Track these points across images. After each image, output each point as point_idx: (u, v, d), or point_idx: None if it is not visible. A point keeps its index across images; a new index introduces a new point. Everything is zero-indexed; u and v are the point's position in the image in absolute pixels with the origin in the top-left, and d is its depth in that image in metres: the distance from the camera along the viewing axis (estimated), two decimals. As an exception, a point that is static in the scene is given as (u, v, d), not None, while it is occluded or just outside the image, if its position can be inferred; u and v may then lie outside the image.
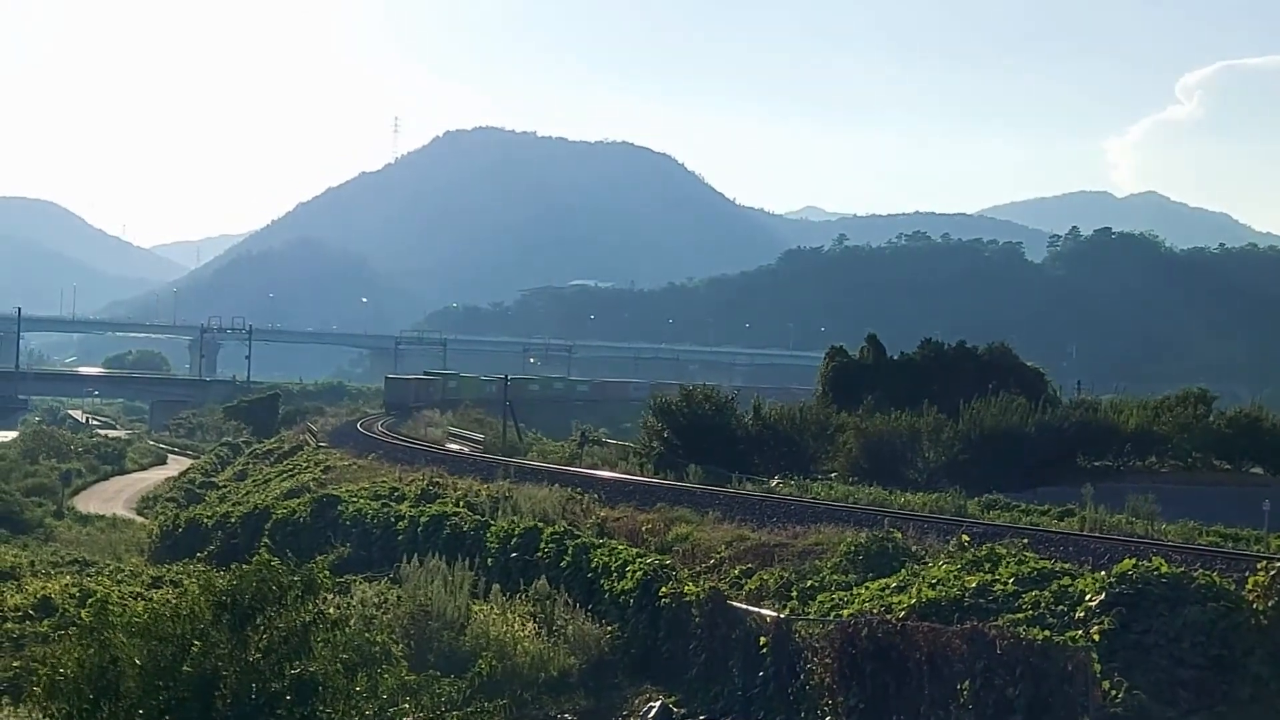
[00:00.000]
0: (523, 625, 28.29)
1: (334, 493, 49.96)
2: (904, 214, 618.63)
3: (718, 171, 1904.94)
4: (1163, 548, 28.38)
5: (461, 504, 43.45)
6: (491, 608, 29.39)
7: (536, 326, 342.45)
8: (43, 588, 34.06)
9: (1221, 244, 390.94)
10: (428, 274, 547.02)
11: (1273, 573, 20.02)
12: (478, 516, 40.13)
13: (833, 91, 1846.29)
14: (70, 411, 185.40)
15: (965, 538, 27.07)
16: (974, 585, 22.65)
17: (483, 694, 23.38)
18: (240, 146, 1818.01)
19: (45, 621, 29.61)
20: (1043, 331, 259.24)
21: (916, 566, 25.80)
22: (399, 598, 29.82)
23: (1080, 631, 19.69)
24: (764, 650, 23.18)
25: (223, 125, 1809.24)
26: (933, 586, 23.27)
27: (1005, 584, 22.45)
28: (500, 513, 40.89)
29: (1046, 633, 19.25)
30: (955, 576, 23.56)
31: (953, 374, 70.41)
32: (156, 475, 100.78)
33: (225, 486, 77.92)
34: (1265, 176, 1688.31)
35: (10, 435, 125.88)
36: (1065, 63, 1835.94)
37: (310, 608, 15.13)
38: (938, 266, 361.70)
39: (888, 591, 24.23)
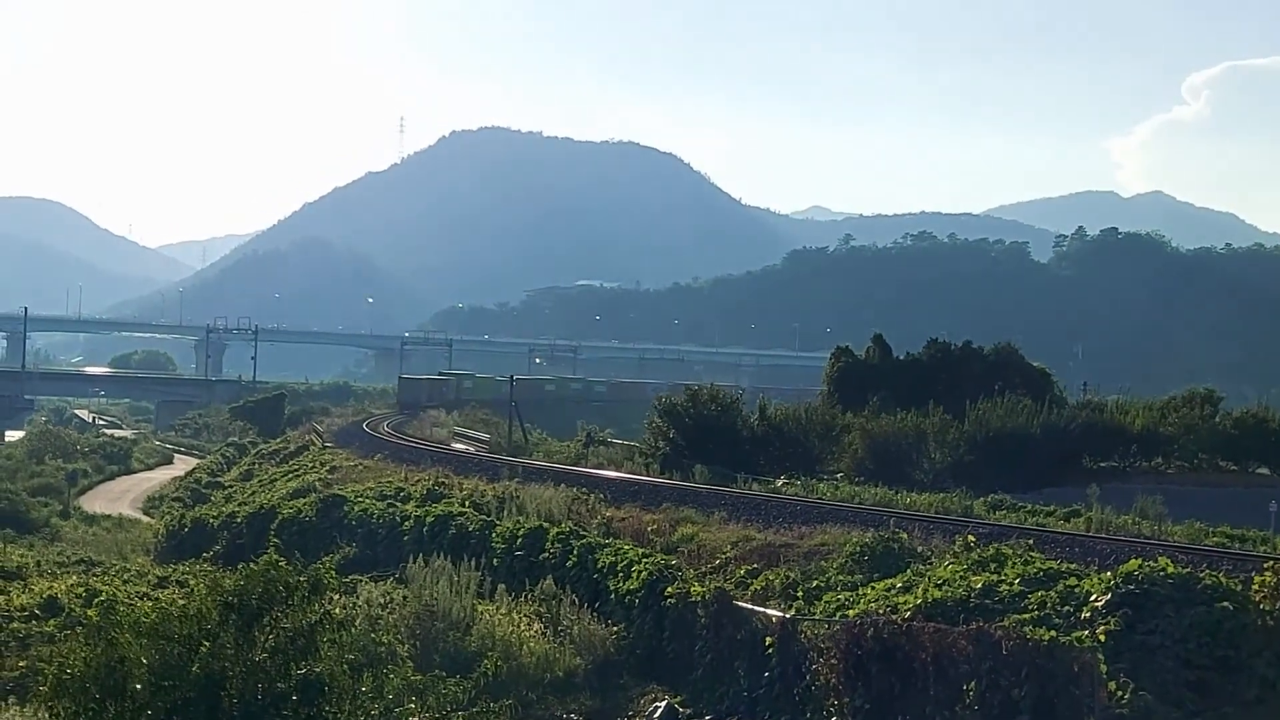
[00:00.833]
0: (528, 625, 28.32)
1: (340, 493, 50.00)
2: (910, 214, 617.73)
3: (723, 171, 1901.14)
4: (1169, 548, 28.36)
5: (467, 504, 43.48)
6: (497, 608, 29.43)
7: (542, 327, 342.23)
8: (49, 587, 34.12)
9: (1228, 244, 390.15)
10: (433, 274, 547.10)
11: (1279, 573, 20.01)
12: (483, 516, 40.16)
13: (838, 91, 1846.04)
14: (76, 411, 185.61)
15: (971, 538, 27.05)
16: (980, 586, 22.64)
17: (488, 694, 23.38)
18: (246, 146, 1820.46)
19: (51, 621, 29.66)
20: (1049, 332, 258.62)
21: (922, 567, 25.80)
22: (404, 598, 29.84)
23: (1086, 632, 19.68)
24: (770, 651, 23.19)
25: (229, 125, 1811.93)
26: (938, 587, 23.27)
27: (1011, 584, 22.44)
28: (506, 513, 40.92)
29: (1052, 633, 19.24)
30: (961, 577, 23.56)
31: (959, 374, 70.36)
32: (162, 475, 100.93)
33: (231, 486, 77.94)
34: (1272, 176, 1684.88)
35: (17, 435, 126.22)
36: (1071, 62, 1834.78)
37: (317, 608, 15.15)
38: (943, 267, 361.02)
39: (893, 592, 24.23)
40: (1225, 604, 19.76)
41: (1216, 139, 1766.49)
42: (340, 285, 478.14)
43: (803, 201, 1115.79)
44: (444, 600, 28.69)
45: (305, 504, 49.22)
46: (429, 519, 40.61)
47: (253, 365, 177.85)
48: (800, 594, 26.09)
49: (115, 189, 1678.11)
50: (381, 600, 29.88)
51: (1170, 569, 20.80)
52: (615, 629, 28.37)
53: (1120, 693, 18.19)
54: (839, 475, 55.54)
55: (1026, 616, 20.80)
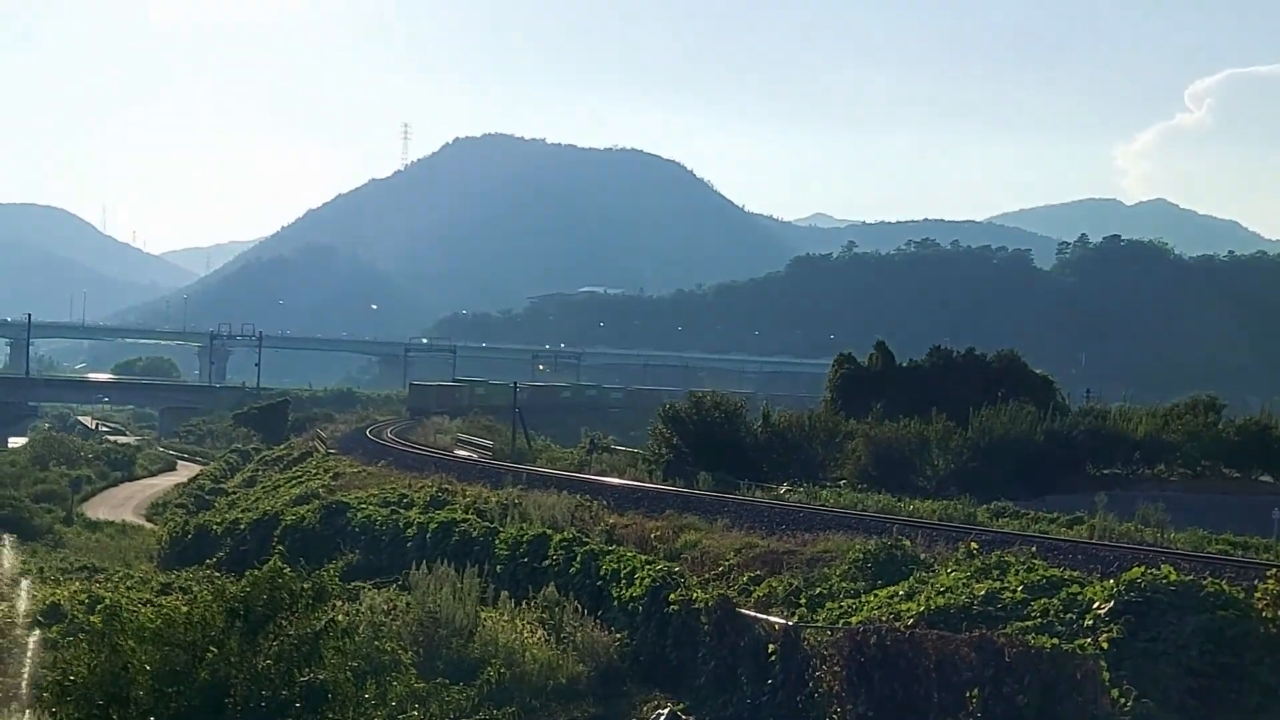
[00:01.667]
0: (531, 632, 28.31)
1: (343, 499, 49.98)
2: (913, 221, 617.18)
3: (727, 178, 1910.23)
4: (1172, 556, 28.36)
5: (470, 511, 43.46)
6: (500, 615, 29.42)
7: (546, 333, 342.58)
8: (52, 594, 34.12)
9: (1231, 251, 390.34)
10: (437, 281, 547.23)
11: (1282, 581, 20.02)
12: (486, 523, 40.14)
13: (842, 99, 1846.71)
14: (80, 418, 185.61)
15: (974, 545, 27.04)
16: (983, 593, 22.64)
17: (491, 701, 23.44)
18: (250, 153, 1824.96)
19: (55, 628, 29.66)
20: (1052, 339, 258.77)
21: (925, 574, 25.78)
22: (408, 605, 29.83)
23: (1089, 639, 19.68)
24: (773, 658, 23.19)
25: (233, 132, 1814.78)
26: (941, 594, 23.26)
27: (1014, 592, 22.43)
28: (509, 519, 40.89)
29: (1055, 641, 19.24)
30: (964, 584, 23.55)
31: (962, 381, 70.36)
32: (166, 481, 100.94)
33: (234, 493, 77.98)
34: (1274, 183, 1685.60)
35: (20, 441, 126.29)
36: (1074, 70, 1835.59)
37: (321, 616, 15.17)
38: (947, 274, 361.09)
39: (896, 599, 24.22)
40: (1228, 612, 19.75)
41: (1219, 146, 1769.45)
42: (344, 292, 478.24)
43: (806, 208, 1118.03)
44: (447, 607, 28.68)
45: (308, 511, 49.20)
46: (432, 526, 40.61)
47: (256, 372, 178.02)
48: (803, 601, 26.08)
49: (120, 196, 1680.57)
50: (385, 607, 29.87)
51: (1173, 576, 20.80)
52: (618, 636, 28.36)
53: (1123, 700, 18.19)
54: (842, 482, 55.54)
55: (1029, 624, 20.80)
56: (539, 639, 27.98)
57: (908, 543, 28.68)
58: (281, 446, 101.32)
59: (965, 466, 54.98)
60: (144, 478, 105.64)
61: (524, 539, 35.83)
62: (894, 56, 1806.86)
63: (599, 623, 28.87)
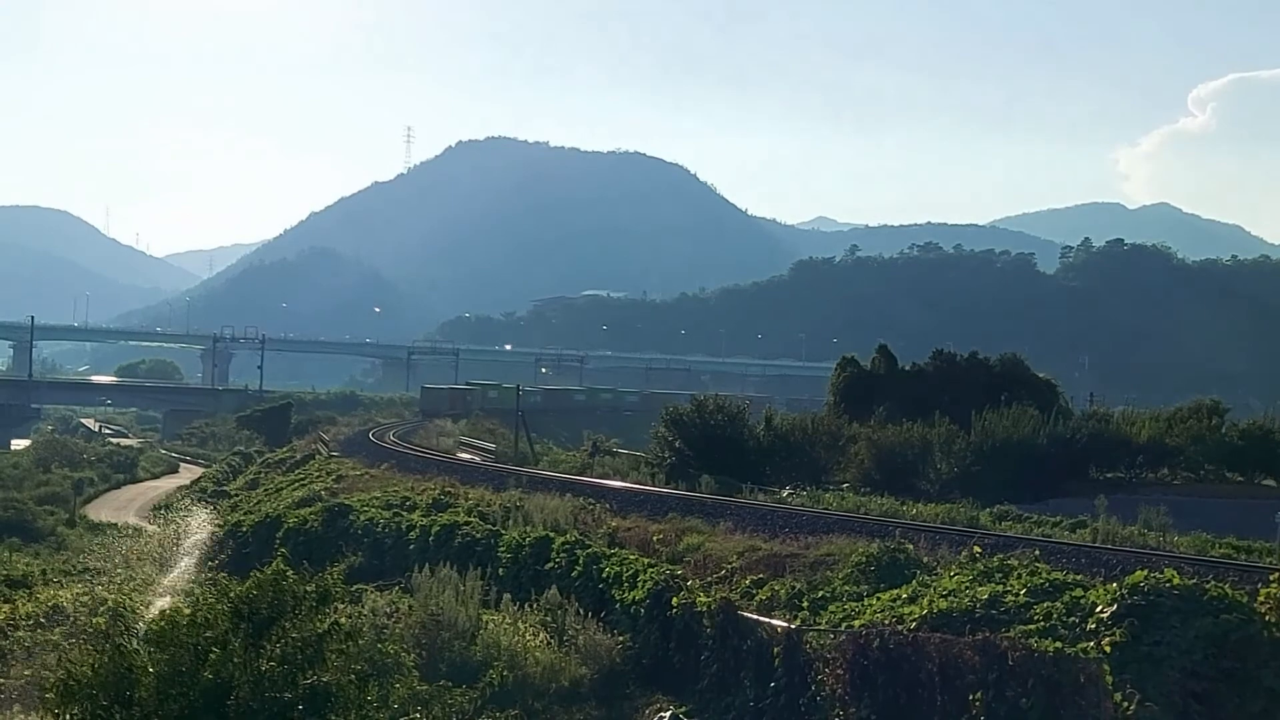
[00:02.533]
0: (534, 635, 28.30)
1: (346, 502, 50.02)
2: (916, 224, 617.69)
3: (730, 182, 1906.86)
4: (1175, 559, 28.35)
5: (473, 513, 43.46)
6: (503, 617, 29.42)
7: (549, 337, 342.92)
8: (54, 596, 34.15)
9: (1234, 255, 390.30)
10: (440, 284, 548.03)
11: (1285, 585, 20.00)
12: (489, 526, 40.15)
13: (845, 102, 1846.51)
14: (83, 420, 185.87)
15: (977, 549, 27.02)
16: (986, 596, 22.61)
17: (494, 704, 23.44)
18: (253, 156, 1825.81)
19: (57, 630, 29.68)
20: (1055, 342, 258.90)
21: (928, 577, 25.75)
22: (410, 607, 29.84)
23: (1092, 643, 19.65)
24: (775, 661, 23.16)
25: (236, 135, 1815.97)
26: (944, 597, 23.23)
27: (1017, 595, 22.40)
28: (511, 522, 40.90)
29: (1058, 644, 19.21)
30: (967, 588, 23.52)
31: (964, 385, 70.35)
32: (168, 484, 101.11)
33: (237, 495, 78.09)
34: (1278, 187, 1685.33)
35: (23, 444, 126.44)
36: (1078, 74, 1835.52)
37: (324, 618, 15.18)
38: (949, 277, 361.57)
39: (899, 602, 24.19)
40: (1231, 616, 19.72)
41: (1223, 150, 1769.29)
42: (347, 295, 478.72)
43: (809, 212, 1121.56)
44: (449, 610, 28.69)
45: (311, 513, 49.22)
46: (435, 528, 40.61)
47: (259, 374, 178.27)
48: (806, 604, 26.06)
49: (123, 199, 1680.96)
50: (387, 609, 29.88)
51: (1176, 580, 20.77)
52: (621, 639, 28.35)
53: (1126, 704, 18.16)
54: (845, 485, 55.54)
55: (1032, 627, 20.77)
56: (541, 642, 27.97)
57: (910, 546, 28.66)
58: (284, 449, 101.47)
59: (968, 470, 54.97)
60: (147, 480, 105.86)
61: (526, 542, 35.82)
62: (898, 60, 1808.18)
63: (601, 626, 28.85)
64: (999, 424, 58.95)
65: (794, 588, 27.36)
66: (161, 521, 68.22)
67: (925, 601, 23.34)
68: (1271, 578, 21.10)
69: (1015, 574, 23.71)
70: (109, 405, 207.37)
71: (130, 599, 33.19)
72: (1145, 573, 21.31)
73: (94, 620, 19.64)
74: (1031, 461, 55.90)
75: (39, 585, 38.38)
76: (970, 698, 18.56)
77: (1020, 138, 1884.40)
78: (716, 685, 25.13)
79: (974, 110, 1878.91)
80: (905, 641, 20.13)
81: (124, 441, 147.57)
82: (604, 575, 31.27)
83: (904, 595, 24.60)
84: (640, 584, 29.34)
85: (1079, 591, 22.06)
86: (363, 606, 29.16)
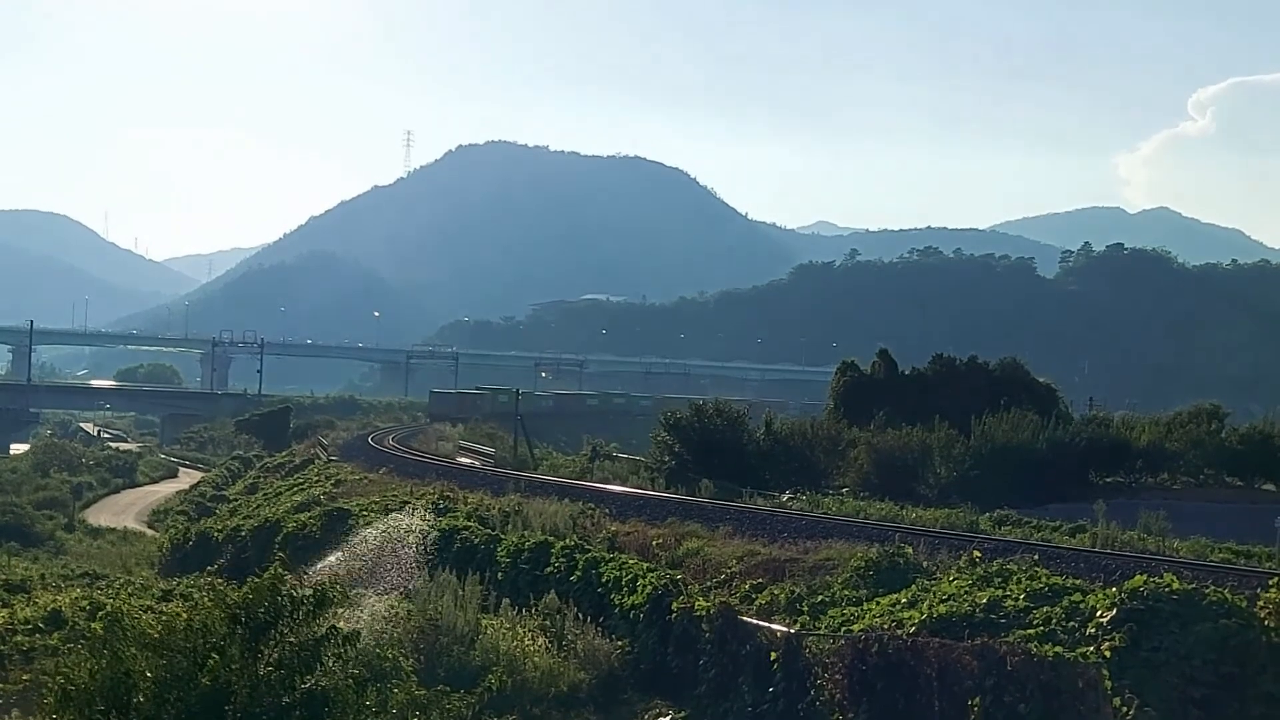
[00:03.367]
0: (533, 640, 28.28)
1: (345, 506, 49.96)
2: (916, 229, 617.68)
3: (730, 186, 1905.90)
4: (1174, 564, 28.33)
5: (472, 518, 43.44)
6: (501, 622, 29.39)
7: (548, 340, 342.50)
8: (53, 601, 34.11)
9: (1234, 260, 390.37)
10: (439, 288, 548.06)
11: (1285, 590, 20.00)
12: (488, 530, 40.14)
13: (844, 107, 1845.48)
14: (82, 424, 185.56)
15: (976, 553, 27.02)
16: (985, 601, 22.61)
17: (492, 709, 23.42)
18: (252, 160, 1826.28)
19: (55, 634, 29.63)
20: (1055, 347, 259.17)
21: (927, 582, 25.76)
22: (409, 612, 29.81)
23: (1091, 648, 19.65)
24: (774, 666, 23.15)
25: (235, 139, 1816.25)
26: (944, 602, 23.24)
27: (1016, 600, 22.41)
28: (511, 527, 40.90)
29: (1057, 649, 19.20)
30: (966, 592, 23.53)
31: (964, 389, 70.35)
32: (167, 488, 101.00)
33: (236, 500, 77.98)
34: (1278, 192, 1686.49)
35: (22, 448, 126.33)
36: (1077, 78, 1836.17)
37: (322, 623, 15.16)
38: (950, 282, 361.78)
39: (898, 607, 24.19)
40: (1231, 621, 19.73)
41: (1223, 155, 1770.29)
42: (346, 299, 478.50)
43: (809, 216, 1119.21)
44: (448, 614, 28.66)
45: (310, 518, 49.17)
46: (434, 533, 40.58)
47: (258, 379, 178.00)
48: (805, 609, 26.06)
49: (122, 202, 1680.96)
50: (386, 614, 29.86)
51: (1175, 585, 20.77)
52: (620, 643, 28.34)
53: (1125, 709, 18.15)
54: (844, 490, 55.55)
55: (1031, 632, 20.78)
56: (540, 646, 27.95)
57: (910, 551, 28.66)
58: (283, 453, 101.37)
59: (967, 474, 54.95)
60: (145, 484, 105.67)
61: (525, 546, 35.81)
62: (897, 65, 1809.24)
63: (600, 630, 28.84)
64: (998, 428, 58.95)
65: (793, 592, 27.37)
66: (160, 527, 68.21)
67: (924, 606, 23.34)
68: (1271, 583, 21.11)
69: (1015, 579, 23.72)
70: (108, 409, 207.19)
71: (129, 604, 33.12)
72: (1145, 578, 21.32)
73: (93, 625, 19.60)
74: (1031, 466, 55.87)
75: (38, 590, 38.33)
76: (969, 703, 18.56)
77: (1020, 142, 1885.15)
78: (715, 690, 25.11)
79: (974, 115, 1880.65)
80: (904, 646, 20.13)
81: (123, 446, 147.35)
82: (603, 580, 31.26)
83: (903, 600, 24.61)
84: (639, 589, 29.34)
85: (1078, 596, 22.06)
86: (361, 611, 29.15)
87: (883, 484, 54.05)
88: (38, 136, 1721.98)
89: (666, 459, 60.97)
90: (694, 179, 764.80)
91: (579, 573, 32.41)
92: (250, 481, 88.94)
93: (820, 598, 26.50)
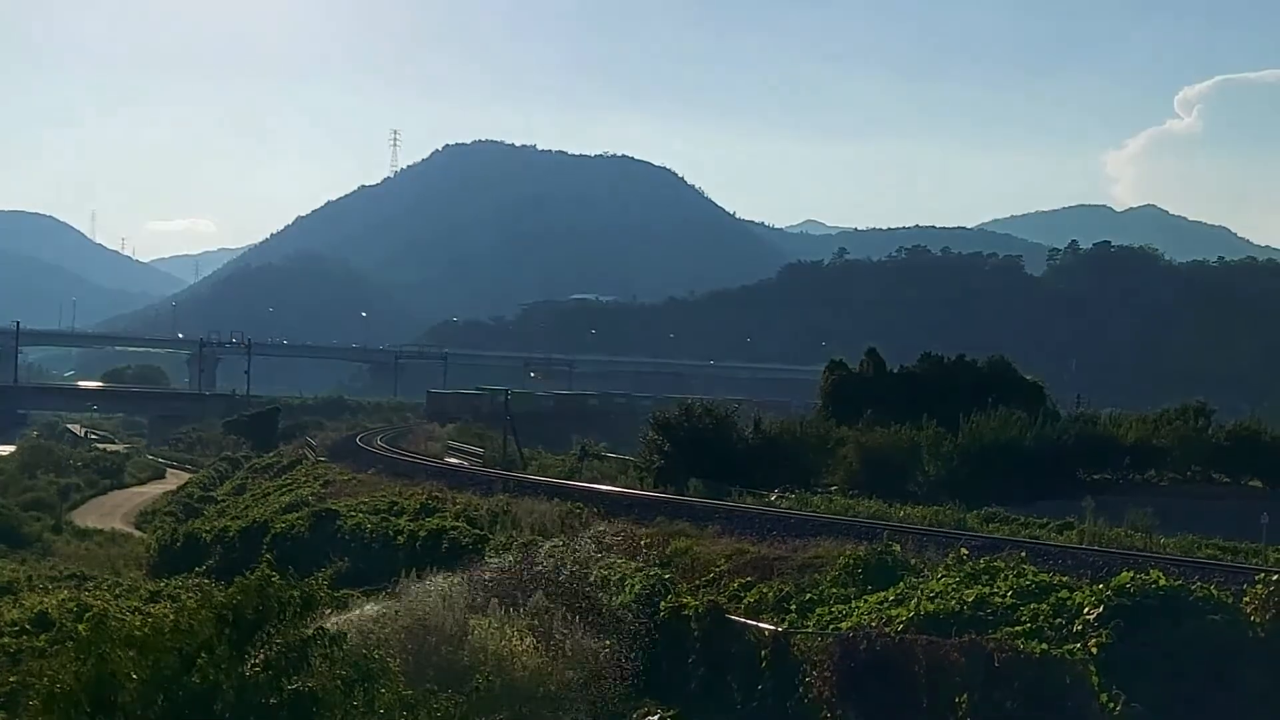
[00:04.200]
0: (521, 640, 28.24)
1: (333, 507, 49.98)
2: (903, 228, 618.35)
3: (718, 185, 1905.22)
4: (1161, 560, 28.38)
5: (461, 518, 43.44)
6: (489, 622, 29.35)
7: (537, 340, 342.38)
8: (40, 602, 34.09)
9: (1221, 257, 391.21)
10: (427, 288, 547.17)
11: (1271, 585, 20.02)
12: (477, 531, 40.13)
13: (831, 106, 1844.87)
14: (69, 426, 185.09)
15: (964, 551, 27.05)
16: (972, 598, 22.62)
17: (481, 708, 23.37)
18: (239, 160, 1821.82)
19: (43, 636, 29.60)
20: (1042, 345, 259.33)
21: (915, 580, 25.78)
22: (396, 612, 29.75)
23: (1078, 644, 19.68)
24: (763, 664, 23.17)
25: (221, 139, 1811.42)
26: (932, 600, 23.25)
27: (1004, 597, 22.42)
28: (499, 527, 40.88)
29: (1044, 646, 19.26)
30: (954, 590, 23.54)
31: (952, 388, 70.48)
32: (155, 490, 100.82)
33: (224, 501, 77.89)
34: (1264, 189, 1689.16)
35: (9, 449, 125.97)
36: (1063, 77, 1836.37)
37: (310, 623, 15.14)
38: (938, 280, 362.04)
39: (886, 605, 24.20)
40: (1217, 616, 19.76)
41: (1209, 152, 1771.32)
42: (334, 299, 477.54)
43: (797, 215, 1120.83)
44: (436, 614, 28.61)
45: (298, 518, 49.18)
46: (422, 533, 40.63)
47: (246, 379, 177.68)
48: (794, 607, 26.07)
49: (109, 203, 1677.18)
50: (373, 615, 29.80)
51: (1162, 582, 20.80)
52: (608, 643, 28.31)
53: (1112, 705, 18.19)
54: (833, 488, 55.59)
55: (1019, 629, 20.79)
56: (528, 646, 27.91)
57: (898, 548, 28.68)
58: (271, 454, 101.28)
59: (956, 472, 55.05)
60: (133, 486, 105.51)
61: (514, 546, 35.78)
62: (884, 63, 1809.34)
63: (589, 629, 28.82)
64: (986, 426, 59.06)
65: (782, 590, 27.38)
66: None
67: (913, 604, 23.35)
68: (1257, 578, 21.14)
69: (1002, 576, 23.74)
70: (95, 410, 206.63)
71: (116, 605, 33.10)
72: (1132, 574, 21.34)
73: (79, 627, 19.57)
74: (1019, 463, 55.99)
75: (25, 591, 38.28)
76: (957, 699, 18.60)
77: (1007, 141, 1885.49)
78: (704, 689, 25.13)
79: (961, 114, 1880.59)
80: (893, 644, 20.17)
81: (110, 447, 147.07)
82: (592, 579, 31.22)
83: (891, 597, 24.61)
84: (628, 588, 29.32)
85: (1065, 593, 22.08)
86: (349, 612, 29.10)
87: (871, 482, 54.10)
88: (24, 137, 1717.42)
89: (655, 458, 60.96)
90: (682, 178, 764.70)
91: (568, 572, 32.37)
92: (238, 482, 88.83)
93: (809, 596, 26.51)
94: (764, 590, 27.85)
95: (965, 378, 74.32)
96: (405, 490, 55.32)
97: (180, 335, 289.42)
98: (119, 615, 24.41)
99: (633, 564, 31.54)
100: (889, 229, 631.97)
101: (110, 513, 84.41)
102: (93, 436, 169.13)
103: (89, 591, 39.06)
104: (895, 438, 59.11)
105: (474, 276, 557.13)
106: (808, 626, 24.17)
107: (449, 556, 36.85)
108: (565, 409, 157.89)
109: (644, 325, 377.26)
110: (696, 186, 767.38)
